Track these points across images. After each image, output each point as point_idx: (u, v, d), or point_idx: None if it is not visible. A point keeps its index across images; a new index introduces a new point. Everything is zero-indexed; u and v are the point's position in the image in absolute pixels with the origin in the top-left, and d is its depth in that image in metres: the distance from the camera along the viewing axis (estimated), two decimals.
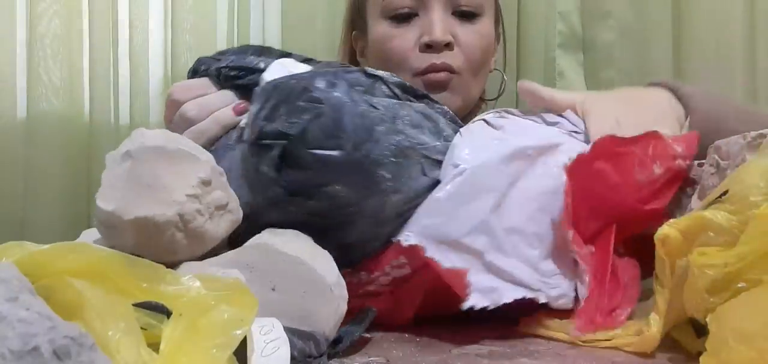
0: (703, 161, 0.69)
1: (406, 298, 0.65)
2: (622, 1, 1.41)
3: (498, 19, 1.08)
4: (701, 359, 0.49)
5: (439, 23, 0.96)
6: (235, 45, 1.35)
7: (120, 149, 0.57)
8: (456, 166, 0.65)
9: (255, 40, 1.36)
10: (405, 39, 0.97)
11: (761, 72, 1.37)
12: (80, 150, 1.33)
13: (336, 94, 0.62)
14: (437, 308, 0.65)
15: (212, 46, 1.35)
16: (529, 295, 0.63)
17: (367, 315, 0.59)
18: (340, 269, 0.60)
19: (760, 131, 0.63)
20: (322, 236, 0.62)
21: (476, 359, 0.56)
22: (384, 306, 0.64)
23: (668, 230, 0.58)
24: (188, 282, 0.46)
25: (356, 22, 1.07)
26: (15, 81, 1.32)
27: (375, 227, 0.64)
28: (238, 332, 0.44)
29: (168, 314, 0.44)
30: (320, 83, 0.63)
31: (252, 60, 0.73)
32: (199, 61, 0.78)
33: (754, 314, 0.48)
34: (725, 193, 0.56)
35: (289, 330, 0.51)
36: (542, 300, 0.64)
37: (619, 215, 0.67)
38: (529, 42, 1.41)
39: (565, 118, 0.75)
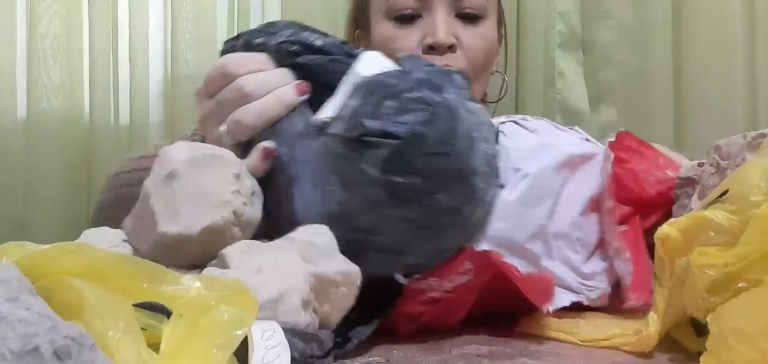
0: (703, 161, 0.69)
1: (462, 300, 0.64)
2: (622, 1, 1.41)
3: (500, 21, 1.08)
4: (701, 359, 0.49)
5: (442, 25, 0.96)
6: None
7: (158, 173, 0.57)
8: (518, 170, 0.65)
9: None
10: (408, 40, 0.97)
11: (761, 72, 1.37)
12: (80, 150, 1.33)
13: (448, 97, 0.60)
14: (484, 308, 0.65)
15: (212, 46, 1.35)
16: (575, 299, 0.65)
17: (377, 316, 0.59)
18: (415, 274, 0.59)
19: (761, 131, 0.63)
20: (410, 243, 0.60)
21: (476, 359, 0.56)
22: (440, 311, 0.63)
23: (668, 230, 0.58)
24: (188, 282, 0.46)
25: (359, 20, 1.07)
26: (15, 81, 1.32)
27: (461, 235, 0.63)
28: (239, 332, 0.44)
29: (168, 314, 0.44)
30: (430, 84, 0.60)
31: (308, 36, 0.67)
32: (252, 34, 0.69)
33: (754, 314, 0.48)
34: (725, 193, 0.56)
35: (290, 331, 0.51)
36: (585, 303, 0.66)
37: (641, 202, 0.70)
38: (529, 42, 1.41)
39: (574, 129, 0.76)
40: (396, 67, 0.65)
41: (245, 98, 0.64)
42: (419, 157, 0.58)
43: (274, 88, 0.64)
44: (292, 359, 0.48)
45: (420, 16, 0.98)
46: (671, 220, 0.59)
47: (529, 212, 0.65)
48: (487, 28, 1.01)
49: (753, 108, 1.37)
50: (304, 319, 0.54)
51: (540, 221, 0.65)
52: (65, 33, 1.32)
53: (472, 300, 0.64)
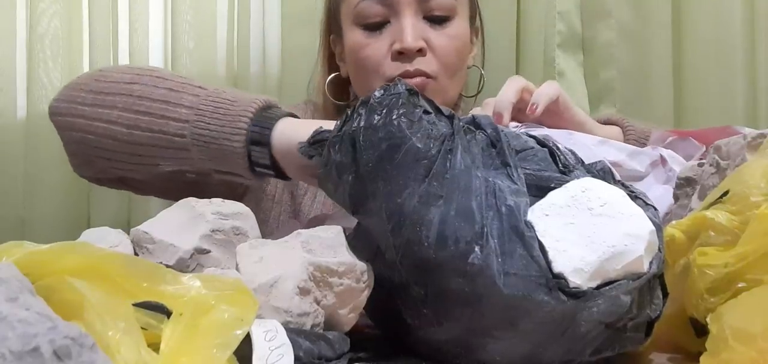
0: (703, 161, 0.69)
1: None
2: (622, 1, 1.41)
3: (474, 16, 1.08)
4: (701, 359, 0.49)
5: (409, 30, 0.96)
6: (235, 46, 1.35)
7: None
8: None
9: (255, 40, 1.36)
10: (377, 47, 0.98)
11: (761, 72, 1.36)
12: None
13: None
14: None
15: (212, 46, 1.35)
16: None
17: (391, 338, 0.60)
18: None
19: (761, 131, 0.63)
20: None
21: None
22: None
23: (673, 231, 0.58)
24: (188, 282, 0.46)
25: (333, 26, 1.07)
26: (15, 81, 1.31)
27: None
28: (239, 332, 0.44)
29: (168, 314, 0.44)
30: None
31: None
32: None
33: (754, 314, 0.48)
34: (726, 193, 0.56)
35: (294, 331, 0.51)
36: None
37: None
38: (529, 42, 1.41)
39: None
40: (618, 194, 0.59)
41: None
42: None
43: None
44: (298, 359, 0.48)
45: (388, 21, 0.98)
46: (674, 222, 0.59)
47: None
48: (458, 27, 1.01)
49: (753, 108, 1.37)
50: (299, 306, 0.54)
51: None
52: (65, 33, 1.32)
53: None
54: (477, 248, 0.53)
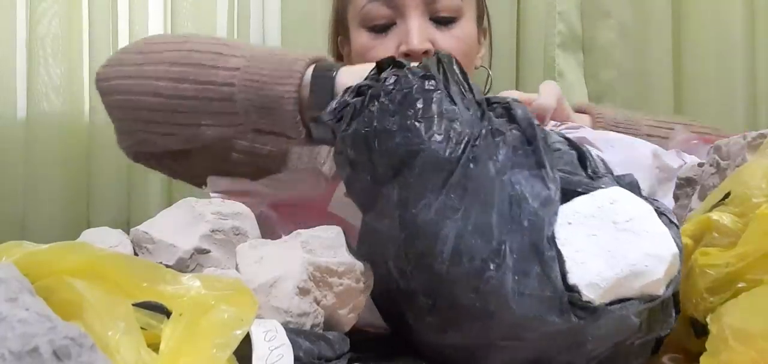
0: (703, 161, 0.69)
1: None
2: (622, 1, 1.41)
3: (481, 17, 1.08)
4: (701, 359, 0.49)
5: (416, 31, 0.95)
6: None
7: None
8: None
9: (255, 40, 1.36)
10: (384, 49, 0.97)
11: (761, 72, 1.36)
12: (80, 150, 1.33)
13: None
14: None
15: None
16: None
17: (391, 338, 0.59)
18: None
19: (761, 131, 0.63)
20: None
21: None
22: None
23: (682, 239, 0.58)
24: (188, 282, 0.46)
25: (340, 28, 1.07)
26: (15, 81, 1.32)
27: None
28: (238, 332, 0.44)
29: (168, 314, 0.44)
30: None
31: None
32: None
33: (754, 314, 0.48)
34: (728, 195, 0.56)
35: (294, 331, 0.51)
36: None
37: None
38: (529, 42, 1.41)
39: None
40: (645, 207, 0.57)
41: None
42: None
43: None
44: (298, 359, 0.48)
45: (394, 23, 0.98)
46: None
47: None
48: (464, 28, 1.00)
49: (753, 108, 1.37)
50: (299, 305, 0.54)
51: None
52: (65, 33, 1.32)
53: None
54: (492, 267, 0.51)
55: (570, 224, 0.53)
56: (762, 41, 1.36)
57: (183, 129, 0.82)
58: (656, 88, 1.39)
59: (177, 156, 0.89)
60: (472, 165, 0.54)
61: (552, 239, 0.52)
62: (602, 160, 0.61)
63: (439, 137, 0.54)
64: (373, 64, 0.62)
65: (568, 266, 0.52)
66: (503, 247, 0.52)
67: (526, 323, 0.51)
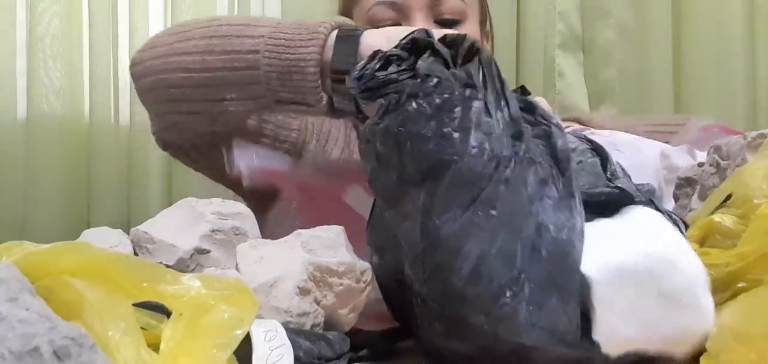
0: (703, 161, 0.69)
1: None
2: (622, 1, 1.41)
3: (484, 20, 1.08)
4: (701, 359, 0.49)
5: None
6: None
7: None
8: None
9: None
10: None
11: (761, 72, 1.37)
12: (80, 150, 1.33)
13: None
14: None
15: None
16: None
17: (396, 335, 0.59)
18: None
19: (761, 131, 0.63)
20: None
21: None
22: None
23: None
24: (188, 282, 0.46)
25: None
26: (15, 81, 1.32)
27: None
28: (239, 332, 0.44)
29: (168, 314, 0.44)
30: None
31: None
32: None
33: (754, 314, 0.48)
34: (730, 196, 0.56)
35: (294, 331, 0.51)
36: None
37: None
38: (529, 42, 1.41)
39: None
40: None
41: None
42: None
43: None
44: (297, 359, 0.48)
45: (399, 25, 0.98)
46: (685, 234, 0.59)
47: None
48: (468, 30, 1.01)
49: (753, 108, 1.37)
50: (300, 305, 0.54)
51: None
52: (65, 33, 1.32)
53: None
54: (508, 294, 0.50)
55: (611, 283, 0.49)
56: (762, 41, 1.36)
57: (208, 106, 0.82)
58: (656, 88, 1.39)
59: (202, 148, 0.89)
60: (503, 187, 0.52)
61: (579, 278, 0.50)
62: (620, 165, 0.60)
63: (473, 151, 0.52)
64: (401, 31, 0.60)
65: (599, 327, 0.49)
66: (522, 275, 0.51)
67: (533, 352, 0.51)
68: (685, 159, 0.82)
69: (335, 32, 0.76)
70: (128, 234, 0.64)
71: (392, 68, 0.55)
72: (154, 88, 0.86)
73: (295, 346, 0.48)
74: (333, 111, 0.76)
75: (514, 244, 0.51)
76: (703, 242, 0.56)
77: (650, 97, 1.40)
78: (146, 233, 0.62)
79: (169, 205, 0.67)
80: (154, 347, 0.41)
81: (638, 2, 1.40)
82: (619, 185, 0.57)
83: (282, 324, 0.50)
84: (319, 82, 0.75)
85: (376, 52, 0.57)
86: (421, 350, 0.58)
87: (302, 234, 0.59)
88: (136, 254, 0.62)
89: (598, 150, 0.60)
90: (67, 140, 1.33)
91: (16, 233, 1.28)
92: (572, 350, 0.50)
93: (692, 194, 0.69)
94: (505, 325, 0.51)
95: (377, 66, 0.56)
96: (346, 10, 1.06)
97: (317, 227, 0.60)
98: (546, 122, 0.57)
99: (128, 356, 0.39)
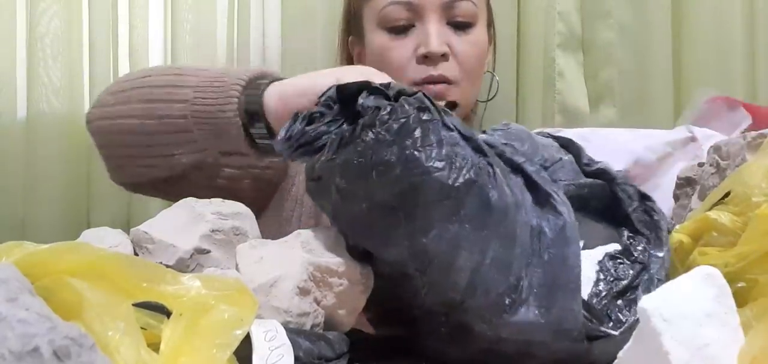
0: (703, 161, 0.69)
1: None
2: (622, 1, 1.41)
3: (491, 23, 1.09)
4: None
5: (435, 34, 0.97)
6: (235, 46, 1.35)
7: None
8: None
9: (255, 40, 1.36)
10: (402, 50, 0.99)
11: (761, 72, 1.37)
12: (80, 150, 1.33)
13: None
14: None
15: (212, 46, 1.35)
16: None
17: (390, 339, 0.59)
18: None
19: (761, 131, 0.63)
20: None
21: None
22: None
23: (681, 237, 0.58)
24: (188, 282, 0.46)
25: (353, 27, 1.07)
26: (15, 81, 1.31)
27: None
28: (239, 332, 0.44)
29: (168, 314, 0.44)
30: None
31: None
32: None
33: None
34: (728, 194, 0.56)
35: (294, 331, 0.51)
36: None
37: None
38: (529, 42, 1.41)
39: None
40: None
41: None
42: None
43: None
44: (297, 359, 0.48)
45: (413, 25, 0.99)
46: (678, 226, 0.59)
47: None
48: (478, 33, 1.02)
49: None
50: (299, 306, 0.54)
51: None
52: (65, 33, 1.32)
53: None
54: (507, 302, 0.51)
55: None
56: (762, 41, 1.36)
57: (162, 160, 0.84)
58: (656, 88, 1.39)
59: (170, 181, 0.89)
60: (485, 195, 0.52)
61: (579, 273, 0.52)
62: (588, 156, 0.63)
63: (439, 164, 0.52)
64: (324, 85, 0.60)
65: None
66: (522, 282, 0.51)
67: (538, 348, 0.52)
68: (680, 132, 0.84)
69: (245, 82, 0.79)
70: (128, 234, 0.64)
71: (318, 123, 0.56)
72: (106, 145, 0.89)
73: (295, 346, 0.48)
74: (269, 155, 0.80)
75: (510, 251, 0.52)
76: (697, 238, 0.56)
77: (650, 97, 1.39)
78: (146, 233, 0.62)
79: (169, 205, 0.67)
80: (154, 347, 0.42)
81: (638, 2, 1.40)
82: (600, 166, 0.58)
83: (282, 324, 0.50)
84: (244, 139, 0.78)
85: (297, 114, 0.57)
86: (421, 357, 0.59)
87: (302, 234, 0.59)
88: (136, 254, 0.62)
89: (567, 146, 0.61)
90: (67, 140, 1.32)
91: (16, 233, 1.27)
92: (576, 345, 0.51)
93: (692, 194, 0.69)
94: (508, 330, 0.52)
95: (303, 124, 0.57)
96: (356, 9, 1.06)
97: (317, 227, 0.60)
98: (496, 145, 0.59)
99: (128, 356, 0.39)
